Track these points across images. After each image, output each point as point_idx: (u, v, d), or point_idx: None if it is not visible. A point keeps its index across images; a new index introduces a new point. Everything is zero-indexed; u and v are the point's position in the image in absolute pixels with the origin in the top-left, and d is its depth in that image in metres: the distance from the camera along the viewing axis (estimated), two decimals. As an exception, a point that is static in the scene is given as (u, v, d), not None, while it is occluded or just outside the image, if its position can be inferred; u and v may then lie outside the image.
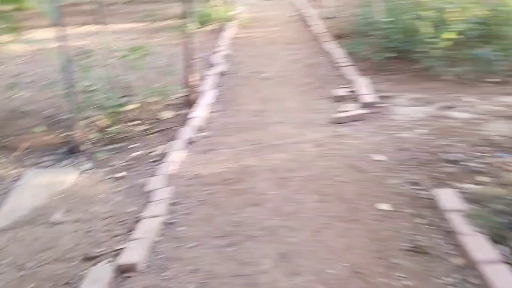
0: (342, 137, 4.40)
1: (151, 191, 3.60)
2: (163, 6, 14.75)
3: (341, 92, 5.62)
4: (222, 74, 6.78)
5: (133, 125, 5.07)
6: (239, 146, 4.40)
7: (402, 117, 4.71)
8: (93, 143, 4.66)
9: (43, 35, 9.60)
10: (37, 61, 7.52)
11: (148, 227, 3.05)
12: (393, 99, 5.24)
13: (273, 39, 9.14)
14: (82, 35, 10.06)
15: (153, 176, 3.89)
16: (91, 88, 4.97)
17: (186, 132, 4.68)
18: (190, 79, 5.53)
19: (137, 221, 3.23)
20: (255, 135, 4.63)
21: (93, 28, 11.04)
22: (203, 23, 10.83)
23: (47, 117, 5.43)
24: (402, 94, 5.36)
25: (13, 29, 5.19)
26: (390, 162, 3.79)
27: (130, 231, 3.15)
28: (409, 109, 4.91)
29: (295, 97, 5.74)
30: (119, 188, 3.79)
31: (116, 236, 3.12)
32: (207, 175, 3.86)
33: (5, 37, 5.56)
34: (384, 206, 3.19)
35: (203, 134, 4.73)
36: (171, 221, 3.20)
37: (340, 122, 4.78)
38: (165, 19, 12.40)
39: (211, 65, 7.31)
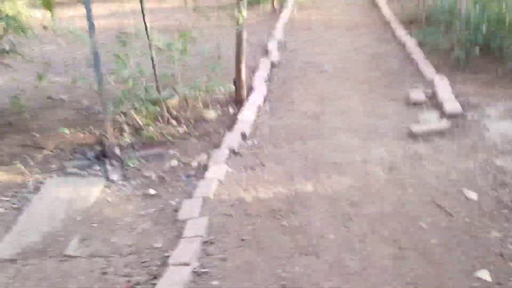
0: (419, 159, 3.59)
1: (183, 220, 2.98)
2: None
3: (416, 94, 4.74)
4: (275, 64, 6.02)
5: (172, 125, 4.46)
6: (290, 161, 3.69)
7: (496, 135, 3.80)
8: (126, 146, 4.10)
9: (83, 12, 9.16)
10: (74, 42, 7.05)
11: (175, 279, 2.44)
12: (482, 108, 4.31)
13: (334, 22, 8.23)
14: (125, 13, 9.55)
15: (188, 198, 3.27)
16: (128, 80, 4.36)
17: (230, 140, 4.01)
18: (239, 72, 4.83)
19: (163, 264, 2.63)
20: (309, 147, 3.90)
21: (137, 5, 10.54)
22: (257, 2, 10.04)
23: (81, 108, 4.93)
24: (493, 101, 4.42)
25: (47, 5, 4.62)
26: (485, 203, 2.96)
27: (153, 278, 2.55)
28: (505, 124, 3.98)
29: (359, 97, 4.92)
30: (148, 210, 3.19)
31: (136, 284, 2.53)
32: (251, 201, 3.19)
33: (38, 14, 5.01)
34: (483, 274, 2.40)
35: (249, 142, 4.05)
36: (203, 270, 2.56)
37: (416, 136, 3.94)
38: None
39: (263, 53, 6.56)
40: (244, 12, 4.13)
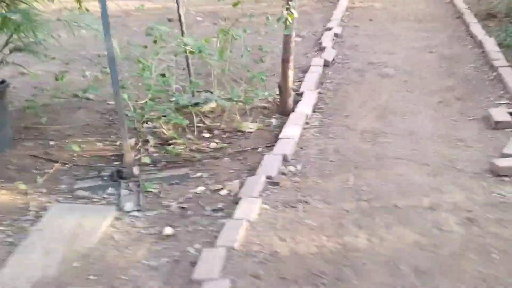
0: (506, 209, 2.78)
1: (199, 281, 2.37)
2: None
3: (499, 113, 3.86)
4: (329, 64, 5.25)
5: (203, 138, 3.86)
6: (340, 199, 2.99)
7: None
8: (148, 165, 3.53)
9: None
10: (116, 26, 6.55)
11: None
12: None
13: (399, 13, 7.30)
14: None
15: (209, 245, 2.66)
16: (154, 82, 3.77)
17: (268, 164, 3.34)
18: (285, 77, 4.13)
19: None
20: (365, 181, 3.17)
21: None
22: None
23: (106, 112, 4.40)
24: None
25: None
26: None
27: None
28: None
29: (429, 112, 4.09)
30: (160, 260, 2.60)
31: None
32: (288, 257, 2.53)
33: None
34: None
35: (291, 168, 3.37)
36: None
37: (501, 173, 3.12)
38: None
39: (316, 48, 5.80)
40: (295, 13, 3.40)
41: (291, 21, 3.51)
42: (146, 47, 3.68)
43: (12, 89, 4.96)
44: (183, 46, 3.55)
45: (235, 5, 3.62)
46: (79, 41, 6.15)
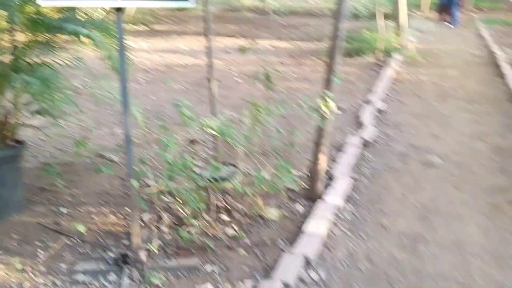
0: None
1: None
2: (322, 23, 13.25)
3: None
4: (368, 144, 4.89)
5: (221, 220, 3.53)
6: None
7: None
8: (157, 250, 3.22)
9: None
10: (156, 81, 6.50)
11: None
12: None
13: (448, 90, 6.90)
14: (221, 50, 9.01)
15: None
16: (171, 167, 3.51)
17: (287, 267, 2.95)
18: (317, 161, 3.80)
19: None
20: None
21: (236, 41, 10.02)
22: (359, 51, 9.00)
23: (128, 178, 4.16)
24: None
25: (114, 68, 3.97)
26: None
27: None
28: None
29: (477, 218, 3.61)
30: None
31: None
32: None
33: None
34: None
35: (313, 275, 2.96)
36: None
37: None
38: (317, 39, 10.84)
39: (354, 124, 5.47)
40: (332, 105, 3.10)
41: (327, 114, 3.19)
42: (165, 128, 3.42)
43: (40, 140, 4.89)
44: (206, 129, 3.29)
45: (269, 87, 3.35)
46: (115, 95, 6.14)
